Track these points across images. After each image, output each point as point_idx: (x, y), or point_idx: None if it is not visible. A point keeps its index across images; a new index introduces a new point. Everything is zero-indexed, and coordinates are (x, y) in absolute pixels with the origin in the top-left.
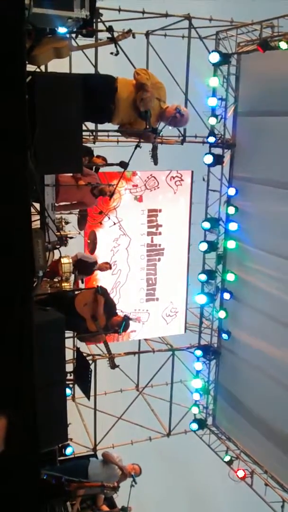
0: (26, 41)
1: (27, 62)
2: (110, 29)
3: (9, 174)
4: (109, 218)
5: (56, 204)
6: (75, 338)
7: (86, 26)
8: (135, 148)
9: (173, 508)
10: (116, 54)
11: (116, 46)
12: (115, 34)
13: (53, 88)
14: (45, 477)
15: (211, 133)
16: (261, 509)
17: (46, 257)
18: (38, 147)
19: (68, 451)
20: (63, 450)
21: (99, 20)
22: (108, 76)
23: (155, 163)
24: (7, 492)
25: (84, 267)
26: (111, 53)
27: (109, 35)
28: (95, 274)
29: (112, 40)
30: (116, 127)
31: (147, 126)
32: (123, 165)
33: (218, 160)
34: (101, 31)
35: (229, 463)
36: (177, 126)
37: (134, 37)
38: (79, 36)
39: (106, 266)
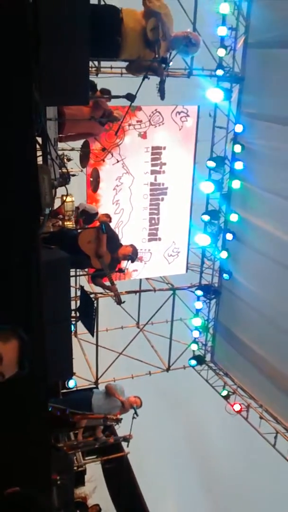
0: None
1: None
2: None
3: (13, 104)
4: (112, 155)
5: (60, 136)
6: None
7: None
8: (143, 80)
9: (171, 439)
10: None
11: None
12: None
13: (59, 9)
14: (49, 409)
15: (220, 65)
16: (256, 440)
17: (53, 194)
18: (42, 76)
19: (71, 383)
20: (66, 382)
21: None
22: (111, 7)
23: (162, 97)
24: (18, 416)
25: (86, 217)
26: None
27: None
28: None
29: None
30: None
31: (156, 56)
32: (130, 97)
33: (226, 94)
34: None
35: (226, 397)
36: (188, 54)
37: None
38: None
39: (106, 219)
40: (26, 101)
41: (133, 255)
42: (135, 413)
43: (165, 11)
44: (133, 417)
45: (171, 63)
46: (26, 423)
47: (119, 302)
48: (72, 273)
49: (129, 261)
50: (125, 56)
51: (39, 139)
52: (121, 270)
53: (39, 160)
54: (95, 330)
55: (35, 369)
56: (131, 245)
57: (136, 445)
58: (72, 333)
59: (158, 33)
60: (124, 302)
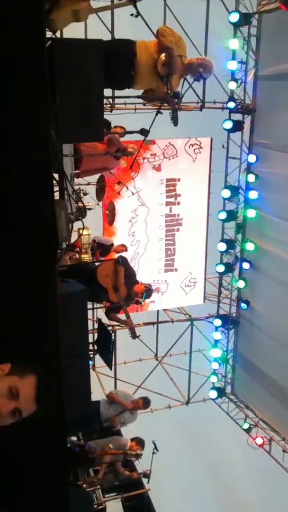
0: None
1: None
2: None
3: (31, 143)
4: (127, 188)
5: (77, 172)
6: (95, 310)
7: None
8: (156, 114)
9: (191, 474)
10: (136, 16)
11: (135, 7)
12: None
13: (74, 54)
14: (68, 445)
15: (231, 98)
16: (279, 475)
17: (70, 229)
18: (59, 115)
19: None
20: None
21: None
22: (126, 41)
23: (175, 124)
24: (36, 454)
25: (102, 250)
26: (132, 15)
27: None
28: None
29: (131, 1)
30: (134, 93)
31: (169, 91)
32: (144, 132)
33: (238, 126)
34: None
35: (248, 430)
36: (203, 77)
37: None
38: None
39: (122, 249)
40: (43, 140)
41: (147, 294)
42: (155, 448)
43: (177, 42)
44: (153, 452)
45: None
46: (44, 460)
47: (134, 336)
48: (90, 305)
49: (144, 298)
50: (138, 88)
51: (56, 175)
52: (138, 302)
53: (56, 195)
54: (113, 363)
55: (53, 405)
56: (147, 284)
57: (157, 481)
58: (90, 366)
59: (170, 68)
60: (139, 336)
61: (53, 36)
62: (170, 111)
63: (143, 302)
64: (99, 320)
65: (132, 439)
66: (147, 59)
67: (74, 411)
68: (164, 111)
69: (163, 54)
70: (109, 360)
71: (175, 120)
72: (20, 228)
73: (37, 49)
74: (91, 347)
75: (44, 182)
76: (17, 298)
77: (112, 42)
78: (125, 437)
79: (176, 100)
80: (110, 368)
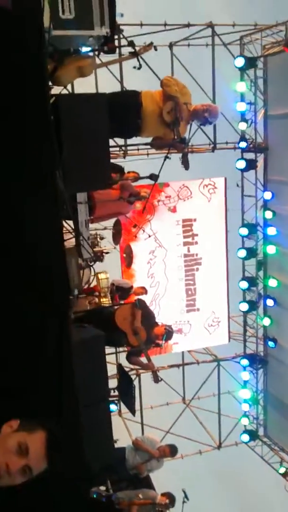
0: (48, 63)
1: (51, 83)
2: (131, 44)
3: (39, 195)
4: (143, 231)
5: (91, 217)
6: (117, 354)
7: (107, 43)
8: (165, 159)
9: None
10: (139, 68)
11: (138, 60)
12: (137, 48)
13: (77, 108)
14: (95, 496)
15: (242, 138)
16: None
17: (81, 276)
18: (66, 167)
19: None
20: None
21: (121, 36)
22: (132, 92)
23: (186, 168)
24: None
25: (121, 293)
26: (134, 67)
27: (132, 50)
28: None
29: (134, 54)
30: (145, 139)
31: (175, 137)
32: (154, 177)
33: (251, 164)
34: (124, 46)
35: (285, 474)
36: (209, 122)
37: (156, 49)
38: (102, 53)
39: (142, 291)
40: (51, 191)
41: (167, 336)
42: (185, 496)
43: (182, 91)
44: (183, 501)
45: (190, 140)
46: None
47: (156, 380)
48: (112, 350)
49: (164, 340)
50: (146, 135)
51: (70, 222)
52: (158, 345)
53: (72, 241)
54: (137, 408)
55: (71, 457)
56: (167, 326)
57: None
58: (116, 412)
59: (175, 115)
60: (161, 380)
61: (59, 93)
62: (180, 157)
63: (163, 345)
64: (120, 365)
65: (163, 494)
66: (153, 108)
67: (97, 460)
68: (175, 155)
69: (169, 102)
70: (131, 406)
71: (185, 164)
72: (33, 276)
73: (41, 104)
74: (114, 392)
75: (53, 231)
76: (32, 348)
77: (118, 94)
78: (157, 491)
79: (183, 146)
80: (133, 414)
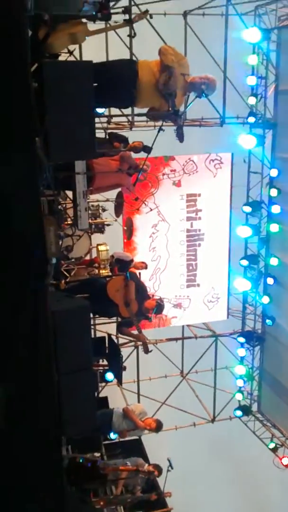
0: (41, 28)
1: (44, 49)
2: (126, 11)
3: (17, 161)
4: (145, 204)
5: (90, 188)
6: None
7: (102, 9)
8: (158, 132)
9: (216, 492)
10: (133, 36)
11: (132, 28)
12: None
13: (62, 75)
14: (81, 461)
15: (251, 113)
16: None
17: (59, 244)
18: (49, 134)
19: (112, 435)
20: (108, 435)
21: (132, 3)
22: (128, 61)
23: (181, 140)
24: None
25: (121, 265)
26: (128, 36)
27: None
28: None
29: (128, 22)
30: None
31: (170, 109)
32: (147, 149)
33: (259, 140)
34: (117, 13)
35: (274, 450)
36: (206, 95)
37: (151, 17)
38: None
39: (142, 265)
40: (29, 157)
41: (158, 309)
42: (170, 465)
43: (180, 62)
44: (168, 470)
45: (187, 110)
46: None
47: (146, 351)
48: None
49: (154, 313)
50: (140, 106)
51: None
52: (147, 318)
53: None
54: (134, 380)
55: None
56: (158, 299)
57: (182, 499)
58: (114, 382)
59: (171, 87)
60: (151, 351)
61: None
62: (175, 129)
63: (152, 318)
64: (109, 336)
65: (151, 465)
66: (149, 78)
67: (75, 425)
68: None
69: (165, 73)
70: (118, 376)
71: (180, 137)
72: (9, 244)
73: (22, 71)
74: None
75: (31, 199)
76: (8, 315)
77: (115, 62)
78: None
79: (177, 118)
80: (120, 383)
